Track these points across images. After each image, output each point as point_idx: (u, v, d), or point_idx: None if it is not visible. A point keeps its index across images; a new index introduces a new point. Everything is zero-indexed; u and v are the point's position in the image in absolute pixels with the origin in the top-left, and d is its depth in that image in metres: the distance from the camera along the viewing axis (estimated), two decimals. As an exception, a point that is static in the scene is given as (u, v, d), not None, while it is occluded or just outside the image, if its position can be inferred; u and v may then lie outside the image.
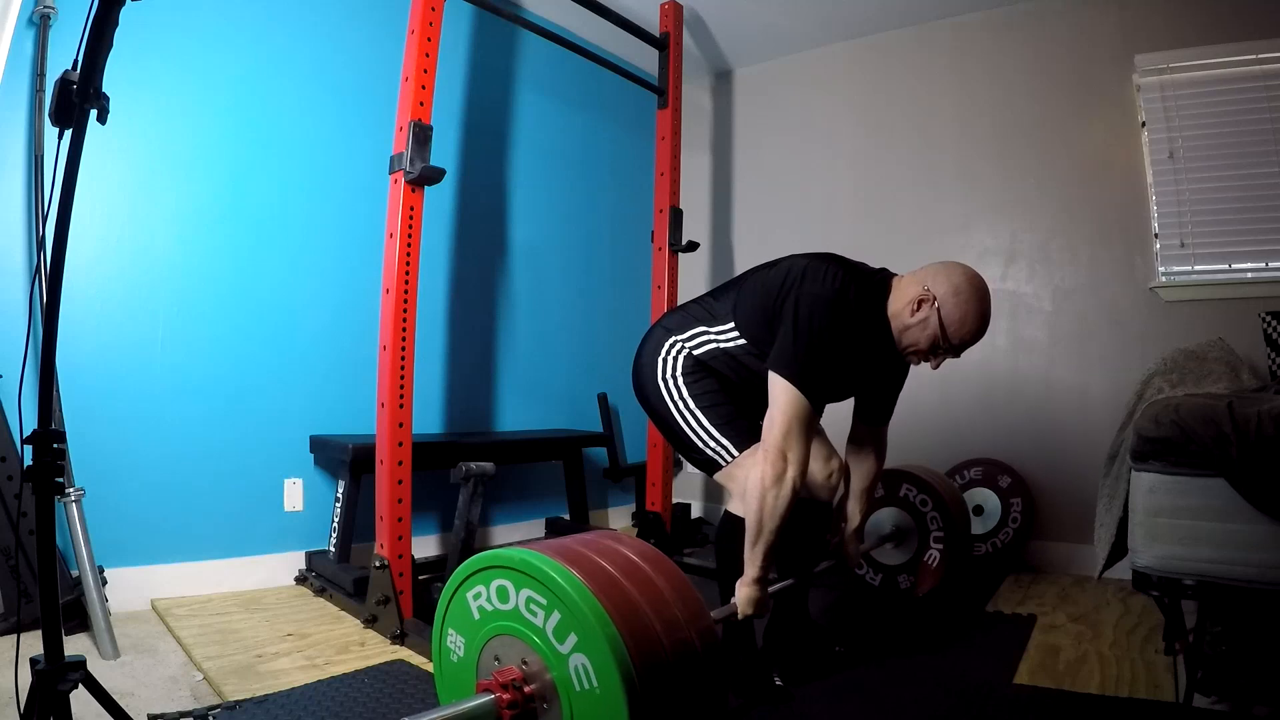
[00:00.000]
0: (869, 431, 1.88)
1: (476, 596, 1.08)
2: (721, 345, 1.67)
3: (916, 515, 2.32)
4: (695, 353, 1.69)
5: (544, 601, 1.00)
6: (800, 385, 1.47)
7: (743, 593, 1.52)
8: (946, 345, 1.54)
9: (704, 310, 1.73)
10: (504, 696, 1.00)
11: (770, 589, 1.55)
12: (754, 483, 1.47)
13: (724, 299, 1.72)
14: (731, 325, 1.67)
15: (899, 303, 1.57)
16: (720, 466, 1.63)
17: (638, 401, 1.78)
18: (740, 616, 1.52)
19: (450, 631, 1.13)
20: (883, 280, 1.62)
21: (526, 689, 1.01)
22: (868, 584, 2.41)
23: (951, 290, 1.53)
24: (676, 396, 1.67)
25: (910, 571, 2.33)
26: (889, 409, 1.87)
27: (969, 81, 3.25)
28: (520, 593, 1.02)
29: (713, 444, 1.63)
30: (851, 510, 1.93)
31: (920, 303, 1.54)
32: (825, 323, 1.50)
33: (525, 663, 1.02)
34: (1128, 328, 2.84)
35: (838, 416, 1.91)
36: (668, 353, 1.71)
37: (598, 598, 0.96)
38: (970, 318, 1.53)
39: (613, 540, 1.15)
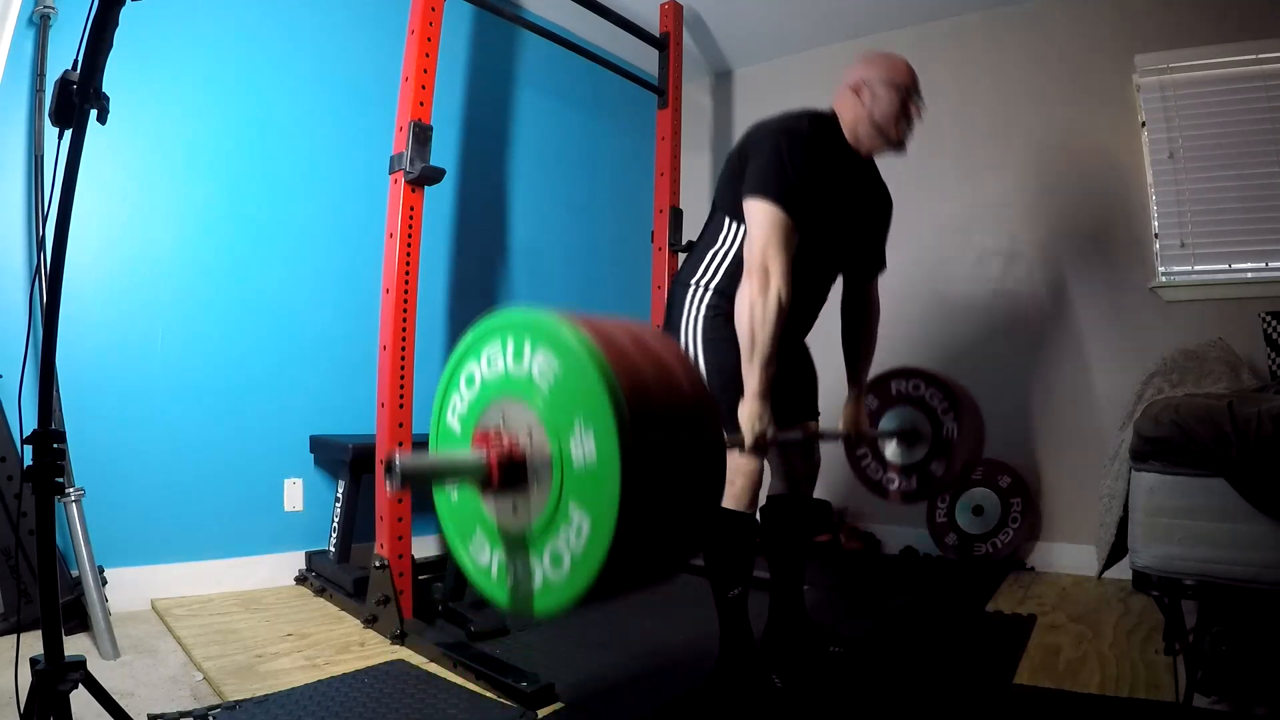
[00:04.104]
0: (860, 291, 1.91)
1: (492, 355, 1.03)
2: (731, 249, 1.67)
3: (933, 419, 2.19)
4: (714, 283, 1.67)
5: (556, 364, 0.94)
6: (773, 198, 1.52)
7: (744, 411, 1.50)
8: (904, 92, 1.69)
9: (703, 241, 1.75)
10: (495, 465, 0.97)
11: (780, 436, 1.53)
12: (742, 302, 1.52)
13: (711, 219, 1.76)
14: (725, 220, 1.69)
15: (846, 109, 1.71)
16: None
17: None
18: (746, 438, 1.48)
19: (454, 399, 1.09)
20: (829, 113, 1.74)
21: (515, 448, 0.98)
22: (869, 478, 2.27)
23: (864, 63, 1.72)
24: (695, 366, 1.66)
25: (909, 477, 2.21)
26: (877, 258, 1.88)
27: (969, 81, 3.25)
28: (536, 354, 0.97)
29: None
30: (854, 373, 1.93)
31: (858, 90, 1.69)
32: (786, 141, 1.59)
33: (530, 433, 0.97)
34: (1128, 328, 2.84)
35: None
36: (689, 313, 1.68)
37: (614, 370, 0.91)
38: (891, 59, 1.73)
39: (632, 324, 1.10)
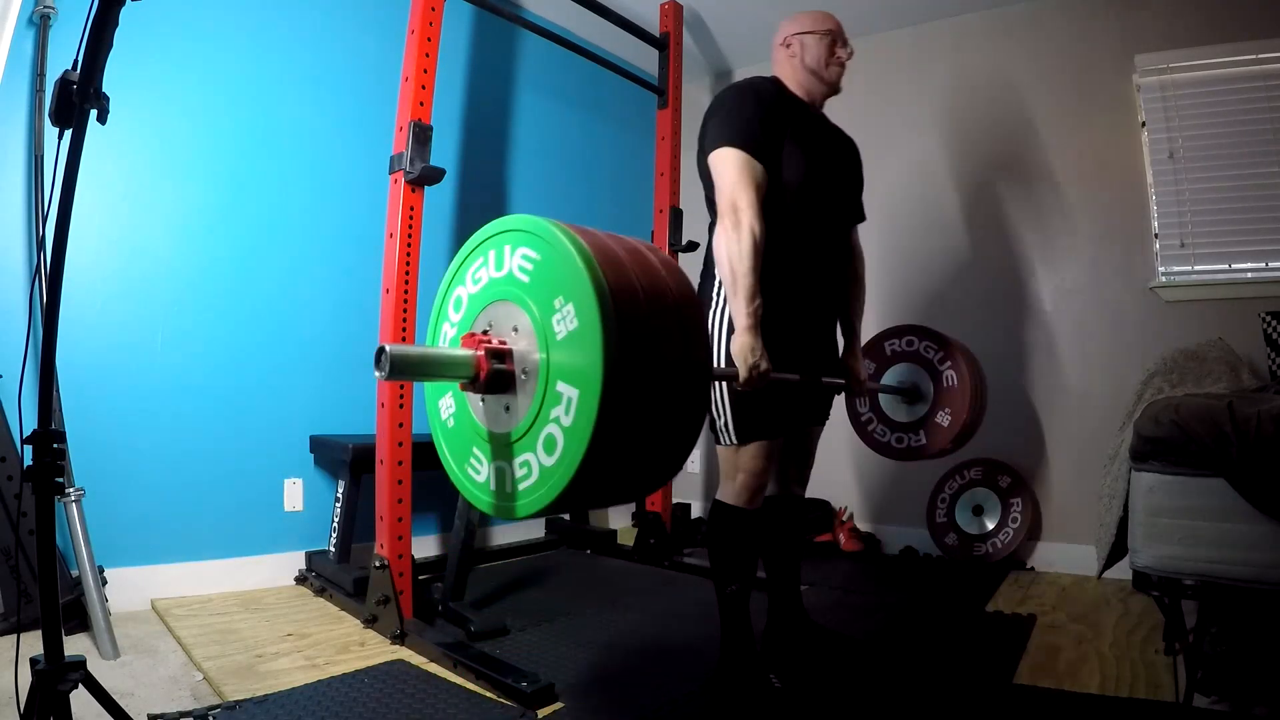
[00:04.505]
0: (842, 238, 1.88)
1: (476, 272, 1.08)
2: None
3: (931, 371, 2.19)
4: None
5: (533, 254, 0.99)
6: (729, 142, 1.57)
7: (735, 345, 1.50)
8: (828, 36, 1.76)
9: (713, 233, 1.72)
10: (484, 357, 0.99)
11: (776, 375, 1.52)
12: (718, 244, 1.56)
13: (712, 210, 1.72)
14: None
15: (783, 67, 1.78)
16: (718, 442, 1.68)
17: None
18: (740, 372, 1.47)
19: (444, 329, 1.13)
20: (773, 76, 1.80)
21: (502, 343, 1.01)
22: (876, 441, 2.26)
23: (786, 24, 1.80)
24: (723, 355, 1.64)
25: (917, 432, 2.20)
26: (856, 207, 1.90)
27: (968, 82, 3.25)
28: (516, 253, 1.02)
29: (723, 419, 1.65)
30: (846, 319, 1.92)
31: (788, 45, 1.78)
32: (732, 95, 1.66)
33: (515, 329, 1.01)
34: (1128, 328, 2.84)
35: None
36: (716, 304, 1.67)
37: (588, 247, 0.95)
38: (810, 12, 1.80)
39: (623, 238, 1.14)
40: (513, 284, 1.02)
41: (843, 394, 1.93)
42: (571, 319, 0.93)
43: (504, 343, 1.01)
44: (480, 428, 1.05)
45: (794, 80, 1.77)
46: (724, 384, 1.62)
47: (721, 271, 1.56)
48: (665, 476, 1.09)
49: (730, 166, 1.56)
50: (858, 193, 1.90)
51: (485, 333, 1.04)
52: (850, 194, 1.87)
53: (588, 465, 0.90)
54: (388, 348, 0.94)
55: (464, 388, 1.04)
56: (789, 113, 1.68)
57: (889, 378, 2.23)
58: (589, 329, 0.90)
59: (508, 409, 1.01)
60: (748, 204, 1.53)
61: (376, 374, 0.94)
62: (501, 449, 1.02)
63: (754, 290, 1.51)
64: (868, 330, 2.04)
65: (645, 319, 0.96)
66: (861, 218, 1.93)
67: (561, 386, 0.93)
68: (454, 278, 1.13)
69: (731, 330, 1.56)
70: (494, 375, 0.99)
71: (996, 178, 3.17)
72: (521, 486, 0.98)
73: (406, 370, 0.97)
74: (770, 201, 1.59)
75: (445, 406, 1.13)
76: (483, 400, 1.04)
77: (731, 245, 1.52)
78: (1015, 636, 2.06)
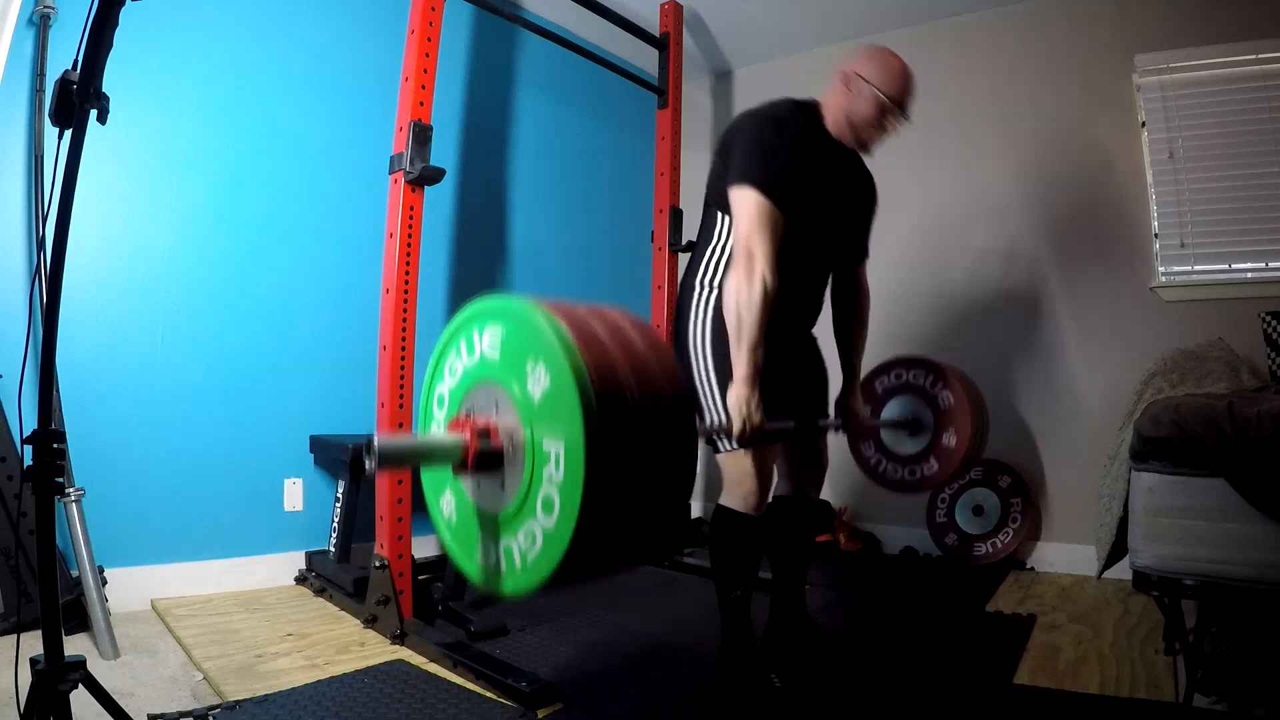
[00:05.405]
0: (848, 277, 1.89)
1: (451, 365, 1.11)
2: (728, 244, 1.66)
3: (926, 397, 2.19)
4: (717, 279, 1.65)
5: (498, 331, 1.02)
6: (756, 185, 1.54)
7: (731, 397, 1.51)
8: (889, 100, 1.64)
9: (701, 240, 1.73)
10: (470, 436, 1.01)
11: (771, 425, 1.53)
12: (728, 288, 1.54)
13: (705, 216, 1.74)
14: (718, 216, 1.68)
15: (834, 97, 1.69)
16: (716, 450, 1.67)
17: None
18: (734, 425, 1.48)
19: (432, 425, 1.14)
20: (813, 101, 1.74)
21: (489, 424, 1.02)
22: (890, 479, 2.25)
23: (865, 58, 1.67)
24: (702, 366, 1.65)
25: (927, 459, 2.18)
26: (863, 244, 1.88)
27: (968, 82, 3.25)
28: (483, 335, 1.05)
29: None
30: (847, 359, 1.92)
31: (847, 81, 1.66)
32: (768, 129, 1.60)
33: (497, 405, 1.02)
34: (1128, 328, 2.84)
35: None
36: (696, 316, 1.68)
37: (549, 310, 0.97)
38: (891, 65, 1.66)
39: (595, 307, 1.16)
40: (486, 365, 1.04)
41: (843, 433, 1.93)
42: (544, 376, 0.94)
43: (487, 420, 1.02)
44: (482, 512, 1.05)
45: (834, 116, 1.70)
46: (717, 387, 1.61)
47: (727, 315, 1.54)
48: (668, 526, 1.08)
49: (750, 210, 1.54)
50: (865, 231, 1.88)
51: (467, 414, 1.05)
52: (857, 232, 1.85)
53: (585, 518, 0.90)
54: (376, 440, 0.95)
55: (458, 472, 1.04)
56: (810, 146, 1.65)
57: (886, 415, 2.24)
58: (561, 381, 0.91)
59: (503, 485, 1.01)
60: (763, 254, 1.51)
61: (367, 462, 0.95)
62: (503, 526, 1.02)
63: (757, 341, 1.50)
64: (867, 361, 2.02)
65: (616, 363, 0.97)
66: (865, 256, 1.91)
67: (548, 444, 0.94)
68: (433, 376, 1.14)
69: (713, 351, 1.58)
70: (482, 452, 1.00)
71: (994, 178, 3.17)
72: (530, 558, 0.99)
73: (395, 458, 1.00)
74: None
75: (446, 505, 1.14)
76: (478, 484, 1.05)
77: (741, 293, 1.51)
78: (1015, 636, 2.06)
